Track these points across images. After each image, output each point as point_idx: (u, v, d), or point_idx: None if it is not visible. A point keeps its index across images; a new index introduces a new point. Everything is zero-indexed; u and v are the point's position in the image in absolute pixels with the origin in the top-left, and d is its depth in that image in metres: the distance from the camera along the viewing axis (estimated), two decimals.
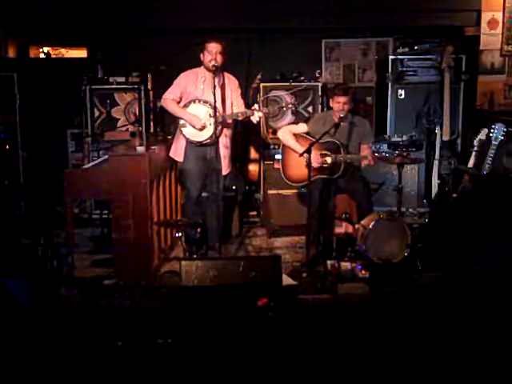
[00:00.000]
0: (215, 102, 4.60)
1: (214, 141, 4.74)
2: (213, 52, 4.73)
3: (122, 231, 4.39)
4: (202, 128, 4.84)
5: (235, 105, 4.98)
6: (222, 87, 4.86)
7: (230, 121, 4.91)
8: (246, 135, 6.45)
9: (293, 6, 6.64)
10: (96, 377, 3.10)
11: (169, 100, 4.90)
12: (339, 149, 4.88)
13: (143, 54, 6.69)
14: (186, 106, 4.88)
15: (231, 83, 4.99)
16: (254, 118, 4.89)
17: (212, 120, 4.75)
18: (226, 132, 4.97)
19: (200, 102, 4.86)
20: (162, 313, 3.85)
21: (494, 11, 6.57)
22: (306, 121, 5.25)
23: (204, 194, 5.09)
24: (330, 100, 5.01)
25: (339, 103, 4.85)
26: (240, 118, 4.94)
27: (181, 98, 4.91)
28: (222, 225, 5.10)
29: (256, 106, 4.95)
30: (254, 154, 6.41)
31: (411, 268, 4.51)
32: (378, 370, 3.15)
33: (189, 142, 4.91)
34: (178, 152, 4.98)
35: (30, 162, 6.49)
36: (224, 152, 4.93)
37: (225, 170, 4.97)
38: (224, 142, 4.95)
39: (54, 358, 3.24)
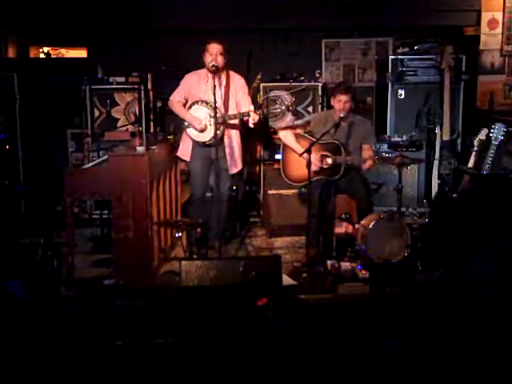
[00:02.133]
0: (215, 102, 4.61)
1: (218, 141, 4.77)
2: (213, 53, 4.74)
3: (122, 231, 4.38)
4: (203, 129, 4.86)
5: (240, 104, 4.96)
6: (226, 87, 4.86)
7: (232, 121, 4.90)
8: (247, 135, 6.46)
9: (293, 6, 6.64)
10: (96, 377, 3.10)
11: (174, 101, 4.98)
12: (339, 149, 4.88)
13: (143, 54, 6.69)
14: (189, 107, 4.94)
15: (236, 82, 4.97)
16: (250, 121, 4.83)
17: (212, 121, 4.77)
18: (230, 132, 4.97)
19: (202, 104, 4.90)
20: (162, 313, 3.85)
21: (494, 11, 6.56)
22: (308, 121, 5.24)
23: (208, 194, 5.11)
24: (332, 99, 5.00)
25: (340, 102, 4.85)
26: (233, 120, 4.90)
27: (186, 100, 4.96)
28: (223, 225, 5.11)
29: (252, 107, 4.93)
30: (254, 154, 6.41)
31: (411, 268, 4.51)
32: (377, 369, 3.15)
33: (195, 142, 4.96)
34: (185, 152, 5.06)
35: (30, 162, 6.49)
36: (228, 152, 4.93)
37: (231, 169, 4.98)
38: (227, 142, 4.95)
39: (54, 358, 3.24)
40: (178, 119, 5.08)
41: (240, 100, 4.98)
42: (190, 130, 4.95)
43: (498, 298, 3.85)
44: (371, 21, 6.82)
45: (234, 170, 5.02)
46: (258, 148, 6.31)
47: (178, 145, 5.15)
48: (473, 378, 3.08)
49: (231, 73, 4.97)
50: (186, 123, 4.95)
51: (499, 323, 3.53)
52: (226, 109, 4.88)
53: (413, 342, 3.40)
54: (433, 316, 3.73)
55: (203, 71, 4.93)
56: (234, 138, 5.01)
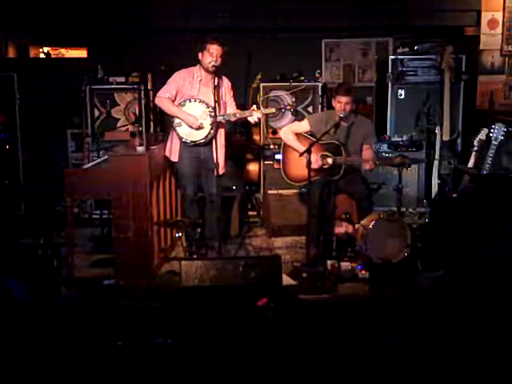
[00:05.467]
0: (215, 102, 4.60)
1: (209, 141, 4.76)
2: (214, 54, 4.73)
3: (122, 231, 4.39)
4: (199, 128, 4.82)
5: (228, 105, 4.98)
6: (217, 88, 4.83)
7: (227, 120, 4.89)
8: (247, 135, 6.47)
9: (293, 6, 6.64)
10: (96, 377, 3.10)
11: (164, 98, 4.85)
12: (340, 150, 4.87)
13: (143, 53, 6.69)
14: (181, 104, 4.85)
15: (225, 84, 4.99)
16: (253, 119, 4.89)
17: (209, 119, 4.77)
18: (221, 131, 4.95)
19: (196, 101, 4.84)
20: (162, 313, 3.85)
21: (494, 11, 6.57)
22: (309, 119, 5.22)
23: (200, 194, 5.08)
24: (332, 100, 4.99)
25: (341, 103, 4.84)
26: (237, 118, 4.92)
27: (175, 97, 4.88)
28: (222, 225, 5.09)
29: (255, 106, 4.94)
30: (253, 154, 6.42)
31: (411, 268, 4.51)
32: (377, 369, 3.15)
33: (182, 142, 4.89)
34: (172, 152, 4.96)
35: (30, 162, 6.49)
36: (220, 151, 4.89)
37: (220, 169, 4.92)
38: (221, 141, 4.93)
39: (54, 358, 3.24)
40: (171, 118, 4.95)
41: (228, 101, 4.99)
42: (180, 129, 4.85)
43: (498, 297, 3.85)
44: (371, 21, 6.82)
45: (220, 171, 4.96)
46: (258, 148, 6.31)
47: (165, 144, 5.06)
48: (473, 378, 3.08)
49: (219, 74, 4.94)
50: (176, 121, 4.85)
51: (499, 323, 3.54)
52: (219, 109, 4.81)
53: (413, 342, 3.40)
54: (433, 316, 3.73)
55: (196, 69, 4.89)
56: (221, 138, 4.96)
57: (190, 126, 4.82)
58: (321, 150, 4.90)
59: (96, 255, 5.08)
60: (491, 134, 5.03)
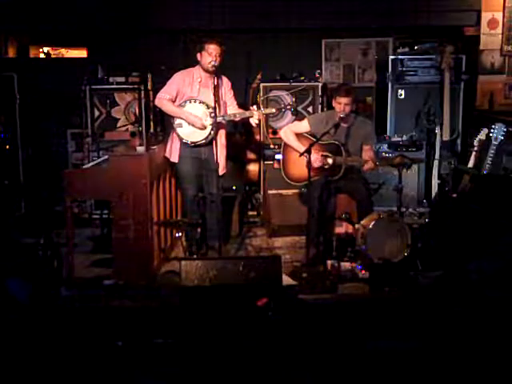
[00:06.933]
0: (215, 102, 4.60)
1: (209, 141, 4.76)
2: (213, 54, 4.73)
3: (122, 231, 4.39)
4: (203, 128, 4.82)
5: (229, 105, 4.98)
6: (217, 88, 4.82)
7: (227, 120, 4.90)
8: (247, 135, 6.47)
9: (293, 6, 6.65)
10: (96, 377, 3.10)
11: (164, 100, 4.85)
12: (340, 150, 4.88)
13: (143, 54, 6.69)
14: (181, 105, 4.86)
15: (224, 84, 4.98)
16: (253, 121, 4.89)
17: (209, 120, 4.77)
18: (221, 132, 4.95)
19: (196, 102, 4.84)
20: (162, 313, 3.85)
21: (493, 11, 6.57)
22: (309, 119, 5.22)
23: (201, 195, 5.08)
24: (332, 100, 5.00)
25: (341, 104, 4.84)
26: (237, 119, 4.95)
27: (175, 98, 4.88)
28: (222, 225, 5.09)
29: (255, 107, 4.94)
30: (254, 154, 6.42)
31: (411, 268, 4.51)
32: (377, 369, 3.15)
33: (183, 143, 4.89)
34: (172, 153, 4.96)
35: (30, 162, 6.49)
36: (221, 152, 4.89)
37: (221, 170, 4.92)
38: (221, 141, 4.93)
39: (54, 357, 3.24)
40: (171, 119, 4.95)
41: (228, 101, 4.99)
42: (181, 130, 4.84)
43: (499, 297, 3.85)
44: (371, 21, 6.82)
45: (221, 172, 4.95)
46: (258, 148, 6.32)
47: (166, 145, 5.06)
48: (472, 378, 3.08)
49: (219, 75, 4.93)
50: (176, 122, 4.85)
51: (500, 323, 3.54)
52: (219, 109, 4.79)
53: (412, 341, 3.40)
54: (433, 316, 3.73)
55: (196, 70, 4.89)
56: (221, 138, 4.96)
57: (193, 125, 4.82)
58: (321, 150, 4.90)
59: (96, 255, 5.09)
60: (491, 134, 5.04)
